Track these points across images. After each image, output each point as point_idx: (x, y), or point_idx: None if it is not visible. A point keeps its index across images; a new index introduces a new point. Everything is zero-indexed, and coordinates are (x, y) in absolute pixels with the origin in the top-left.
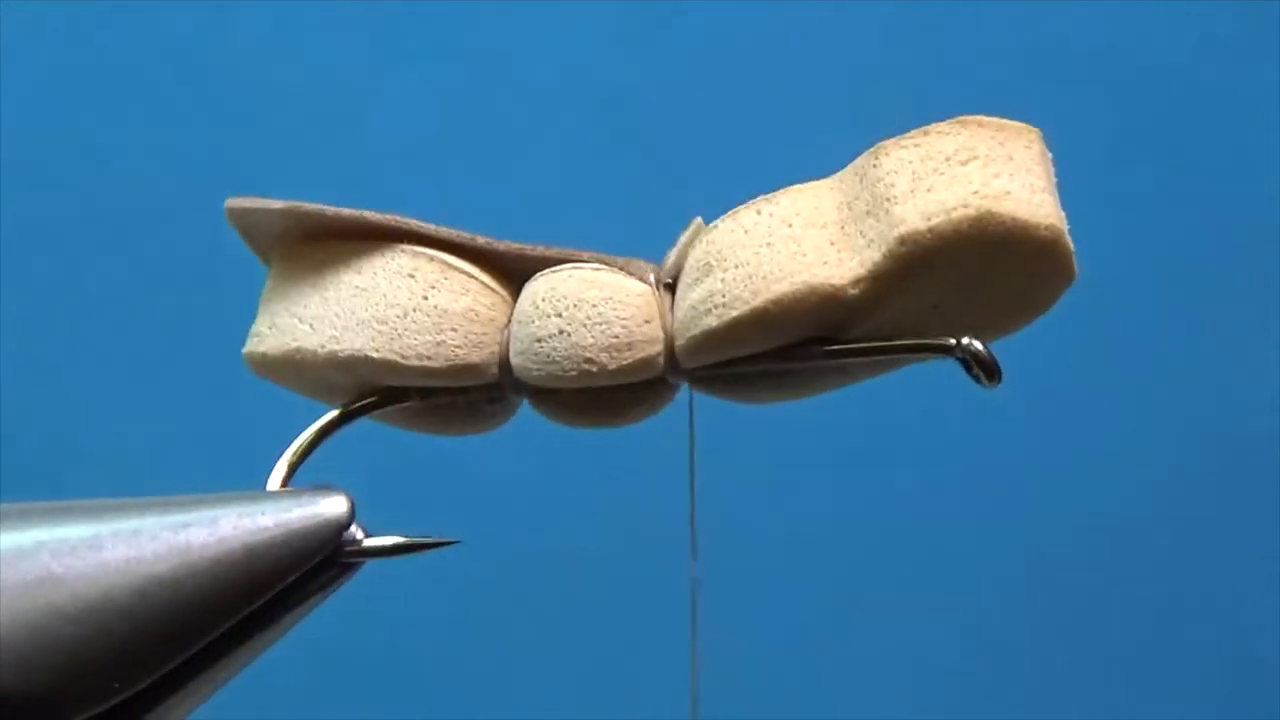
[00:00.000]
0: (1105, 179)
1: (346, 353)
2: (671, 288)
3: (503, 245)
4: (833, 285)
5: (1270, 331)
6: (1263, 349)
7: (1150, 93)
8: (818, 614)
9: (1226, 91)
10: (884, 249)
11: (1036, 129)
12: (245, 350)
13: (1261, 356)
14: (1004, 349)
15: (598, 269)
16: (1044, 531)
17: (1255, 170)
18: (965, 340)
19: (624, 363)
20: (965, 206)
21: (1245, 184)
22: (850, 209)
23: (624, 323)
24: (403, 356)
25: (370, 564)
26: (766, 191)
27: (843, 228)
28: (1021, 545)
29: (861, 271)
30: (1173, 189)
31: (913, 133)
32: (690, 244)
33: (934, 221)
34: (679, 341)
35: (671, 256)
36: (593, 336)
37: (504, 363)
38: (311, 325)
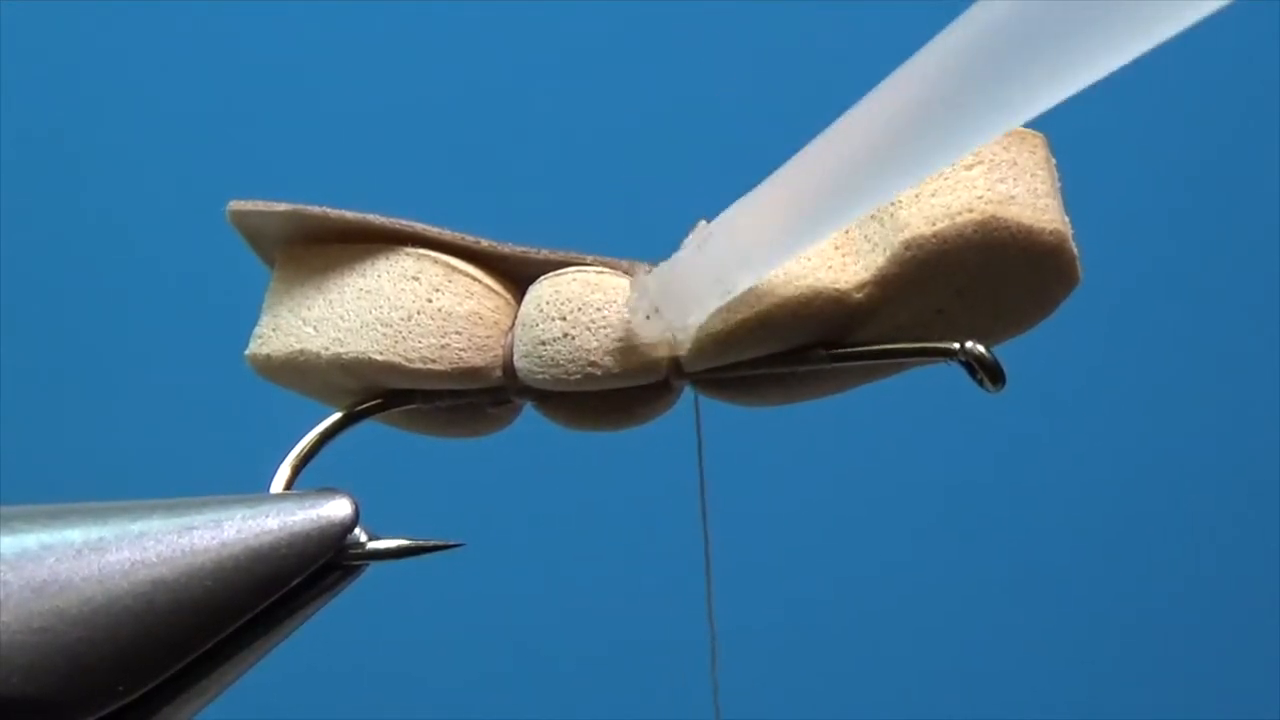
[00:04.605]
0: (1111, 184)
1: (350, 355)
2: None
3: (507, 248)
4: (838, 289)
5: (1272, 330)
6: (1266, 349)
7: (1157, 97)
8: (815, 612)
9: (1231, 94)
10: (889, 253)
11: (1041, 134)
12: (248, 352)
13: (1264, 357)
14: (1008, 353)
15: (602, 272)
16: (1047, 533)
17: (1260, 174)
18: (969, 344)
19: (628, 366)
20: (970, 211)
21: (1249, 187)
22: None
23: (628, 326)
24: (407, 359)
25: (374, 566)
26: None
27: (847, 232)
28: (1025, 546)
29: (866, 276)
30: (1176, 192)
31: None
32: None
33: (939, 226)
34: (683, 345)
35: None
36: (596, 340)
37: (508, 366)
38: (315, 327)
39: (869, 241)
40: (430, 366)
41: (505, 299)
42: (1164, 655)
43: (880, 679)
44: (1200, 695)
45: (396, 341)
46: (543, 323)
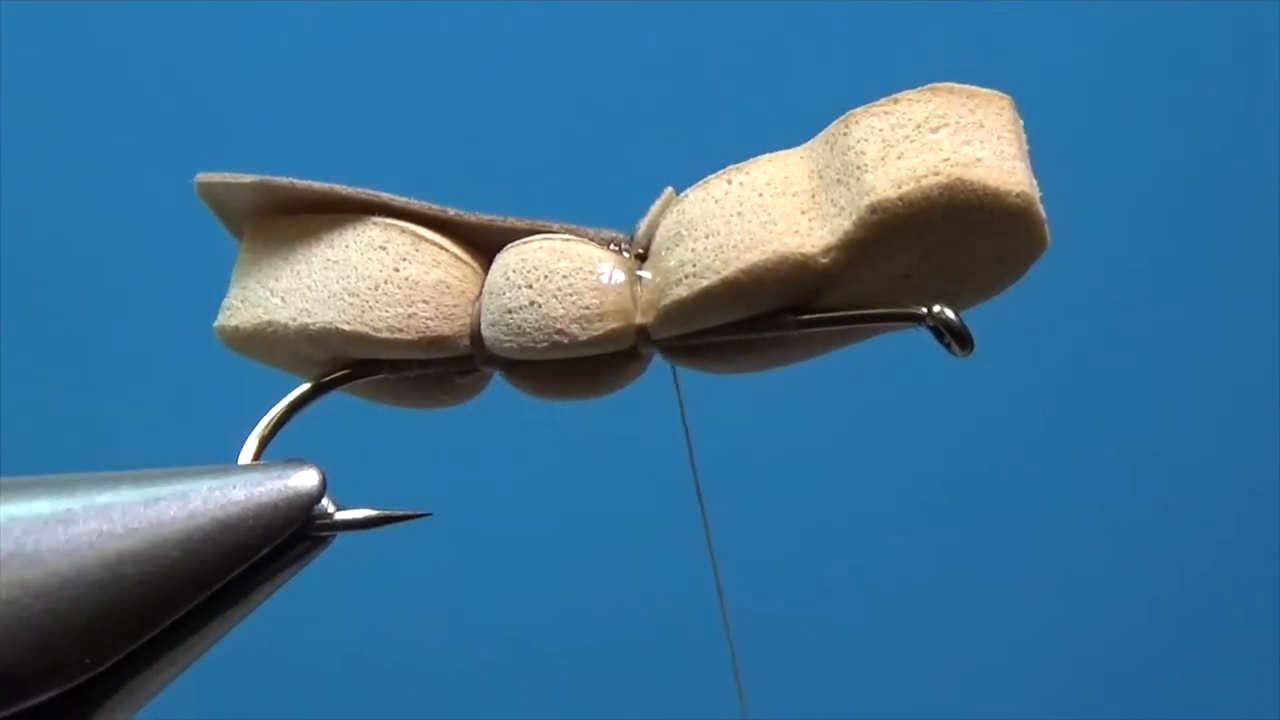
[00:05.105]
0: (1106, 170)
1: (318, 325)
2: (643, 258)
3: (473, 217)
4: (804, 254)
5: (1271, 319)
6: (1264, 334)
7: (1140, 72)
8: (806, 600)
9: (1221, 78)
10: (855, 217)
11: (1008, 96)
12: (216, 324)
13: (1263, 343)
14: (976, 318)
15: (568, 240)
16: (1039, 520)
17: (1254, 158)
18: (936, 308)
19: (595, 334)
20: (936, 174)
21: (1244, 173)
22: (821, 177)
23: (594, 293)
24: (374, 329)
25: (342, 537)
26: (738, 160)
27: (813, 196)
28: (1015, 530)
29: (832, 240)
30: (1171, 177)
31: (883, 100)
32: (661, 214)
33: (905, 189)
34: (650, 312)
35: (643, 226)
36: (563, 307)
37: (475, 335)
38: (283, 298)
39: (834, 205)
40: (397, 336)
41: (472, 268)
42: (1161, 650)
43: (868, 665)
44: (1200, 693)
45: (363, 311)
46: (509, 291)
